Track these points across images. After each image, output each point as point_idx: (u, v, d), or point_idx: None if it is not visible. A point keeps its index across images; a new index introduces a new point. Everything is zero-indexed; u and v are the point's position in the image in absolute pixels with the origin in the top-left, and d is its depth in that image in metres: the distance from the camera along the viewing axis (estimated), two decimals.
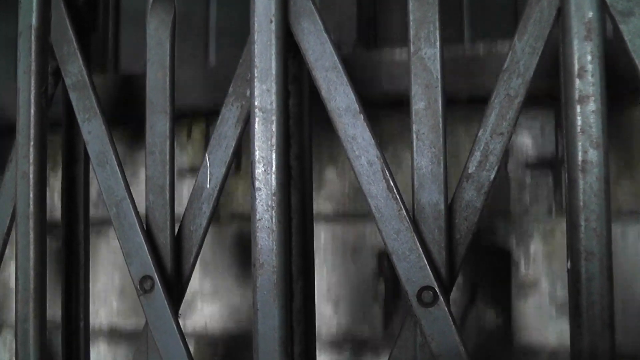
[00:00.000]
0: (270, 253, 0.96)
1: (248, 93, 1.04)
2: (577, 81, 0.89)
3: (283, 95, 0.99)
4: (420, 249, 0.92)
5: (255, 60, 0.99)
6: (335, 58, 0.98)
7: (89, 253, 1.28)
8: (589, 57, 0.89)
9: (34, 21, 1.13)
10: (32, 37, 1.13)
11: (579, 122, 0.89)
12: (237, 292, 1.52)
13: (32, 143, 1.11)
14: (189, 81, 1.47)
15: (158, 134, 1.09)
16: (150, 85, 1.09)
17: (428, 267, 0.91)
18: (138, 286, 1.05)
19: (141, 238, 1.06)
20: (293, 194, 1.03)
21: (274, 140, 0.97)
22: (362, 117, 0.96)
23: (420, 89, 0.95)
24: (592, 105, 0.88)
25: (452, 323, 0.91)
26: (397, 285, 1.39)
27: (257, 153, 0.98)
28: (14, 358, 1.11)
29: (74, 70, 1.13)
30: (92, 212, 1.38)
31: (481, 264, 1.37)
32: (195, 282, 1.54)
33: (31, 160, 1.11)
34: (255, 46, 0.99)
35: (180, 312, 1.07)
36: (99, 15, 1.70)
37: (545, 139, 1.34)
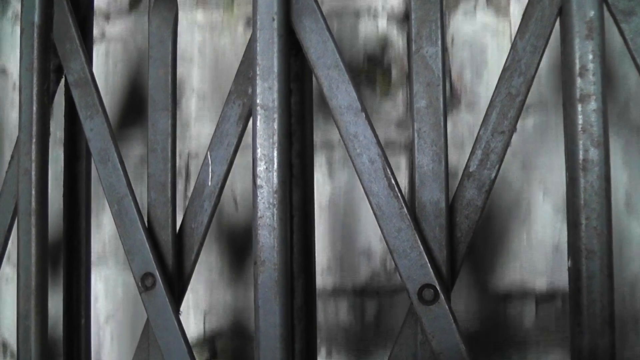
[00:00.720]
0: (271, 250, 0.96)
1: (250, 91, 1.04)
2: (578, 80, 0.89)
3: (285, 93, 0.99)
4: (421, 247, 0.92)
5: (257, 58, 0.99)
6: (337, 56, 0.98)
7: (90, 250, 1.28)
8: (590, 56, 0.89)
9: (36, 18, 1.13)
10: (35, 34, 1.13)
11: (580, 121, 0.89)
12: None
13: (34, 140, 1.12)
14: None
15: (160, 131, 1.09)
16: (152, 83, 1.10)
17: (429, 265, 0.92)
18: (139, 283, 1.06)
19: (143, 235, 1.06)
20: (294, 191, 1.03)
21: (275, 138, 0.97)
22: (364, 115, 0.96)
23: (421, 87, 0.95)
24: (593, 104, 0.89)
25: (452, 321, 0.91)
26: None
27: (258, 151, 0.98)
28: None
29: (77, 67, 1.13)
30: None
31: None
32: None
33: (33, 158, 1.12)
34: (258, 44, 0.99)
35: (181, 309, 1.08)
36: None
37: None
